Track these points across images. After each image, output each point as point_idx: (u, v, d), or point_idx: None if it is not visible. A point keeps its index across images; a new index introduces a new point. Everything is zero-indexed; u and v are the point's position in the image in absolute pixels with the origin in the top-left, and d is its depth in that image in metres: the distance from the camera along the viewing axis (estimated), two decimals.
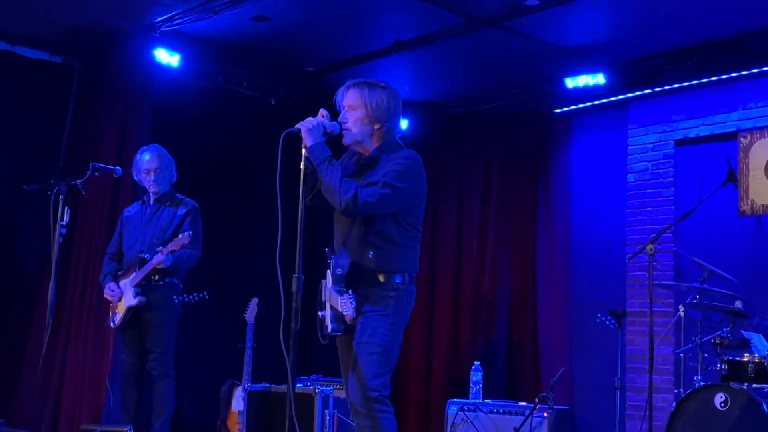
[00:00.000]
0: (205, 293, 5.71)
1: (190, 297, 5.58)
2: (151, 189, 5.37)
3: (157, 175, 5.32)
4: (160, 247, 5.11)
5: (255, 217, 7.87)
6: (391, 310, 3.50)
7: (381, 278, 3.50)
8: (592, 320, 6.70)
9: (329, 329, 3.49)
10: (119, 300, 5.29)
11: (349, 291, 3.34)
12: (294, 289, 3.35)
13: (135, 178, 5.47)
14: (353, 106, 3.58)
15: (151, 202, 5.41)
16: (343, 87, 3.65)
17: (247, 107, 7.88)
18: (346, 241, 3.57)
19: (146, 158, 5.35)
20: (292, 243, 3.35)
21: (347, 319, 3.29)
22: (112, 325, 5.34)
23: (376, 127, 3.58)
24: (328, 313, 3.52)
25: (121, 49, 6.77)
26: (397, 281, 3.52)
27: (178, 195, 5.43)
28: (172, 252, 5.09)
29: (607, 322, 6.30)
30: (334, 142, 3.63)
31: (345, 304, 3.29)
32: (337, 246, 3.63)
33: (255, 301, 6.37)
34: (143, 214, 5.41)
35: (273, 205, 3.46)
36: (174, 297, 5.31)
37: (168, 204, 5.36)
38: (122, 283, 5.28)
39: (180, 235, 5.05)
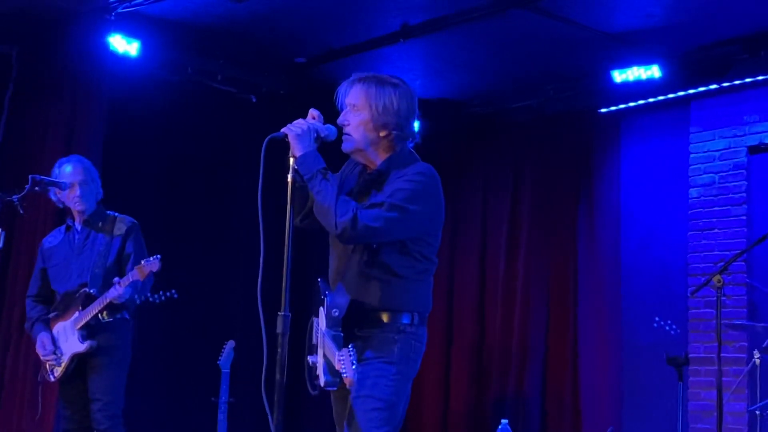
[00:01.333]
0: (174, 291, 5.68)
1: (156, 297, 5.57)
2: (77, 206, 5.32)
3: (83, 188, 5.29)
4: (117, 279, 5.09)
5: (231, 239, 7.86)
6: (396, 356, 3.47)
7: (385, 318, 3.47)
8: (646, 369, 6.67)
9: (322, 382, 3.47)
10: (53, 355, 5.26)
11: (350, 346, 3.31)
12: (279, 329, 3.31)
13: (54, 198, 5.43)
14: (356, 106, 3.52)
15: (78, 226, 5.38)
16: (347, 81, 3.58)
17: (222, 105, 7.90)
18: (344, 273, 3.53)
19: (68, 170, 5.33)
20: (277, 272, 3.34)
21: (346, 382, 3.27)
22: (51, 378, 5.30)
23: (383, 134, 3.52)
24: (320, 361, 3.50)
25: (68, 35, 6.78)
26: (404, 322, 3.49)
27: (108, 213, 5.43)
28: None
29: (666, 372, 6.27)
30: (330, 148, 3.62)
31: (344, 363, 3.27)
32: (333, 277, 3.60)
33: (231, 344, 6.35)
34: (71, 242, 5.37)
35: (254, 226, 3.44)
36: (126, 337, 5.30)
37: (100, 226, 5.35)
38: (58, 327, 5.24)
39: (145, 261, 5.03)
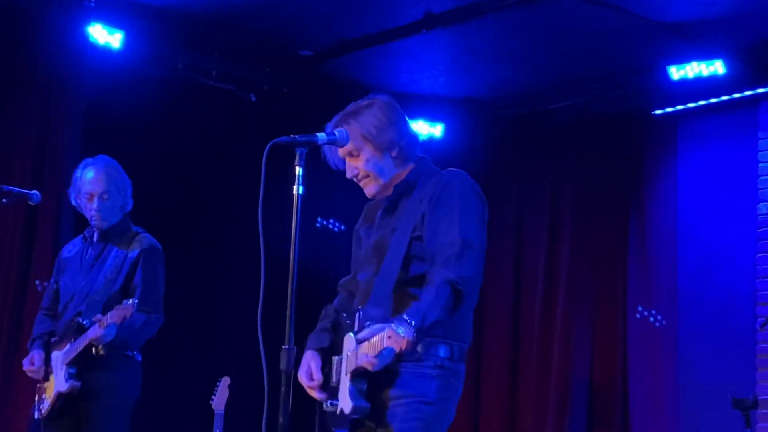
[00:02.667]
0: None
1: None
2: (94, 221, 5.32)
3: (102, 202, 5.25)
4: (98, 316, 5.05)
5: (226, 260, 7.86)
6: (434, 395, 3.50)
7: (419, 348, 3.47)
8: (707, 413, 6.64)
9: (349, 408, 3.47)
10: (44, 379, 5.26)
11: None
12: (283, 366, 3.32)
13: (73, 202, 5.43)
14: (353, 150, 3.67)
15: (96, 238, 5.37)
16: (325, 141, 3.64)
17: (217, 105, 7.92)
18: (374, 289, 3.58)
19: (89, 176, 5.29)
20: (281, 299, 3.33)
21: (403, 342, 3.22)
22: (36, 414, 5.31)
23: (394, 153, 3.70)
24: (345, 386, 3.50)
25: (42, 24, 6.81)
26: (443, 356, 3.52)
27: (133, 228, 5.40)
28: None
29: (731, 417, 6.22)
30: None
31: (399, 327, 3.23)
32: (360, 297, 3.65)
33: (226, 381, 6.34)
34: (84, 256, 5.37)
35: (253, 244, 3.44)
36: (129, 378, 5.26)
37: (118, 242, 5.32)
38: (54, 356, 5.25)
39: (123, 303, 4.98)
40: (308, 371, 3.65)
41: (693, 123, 7.78)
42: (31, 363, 5.26)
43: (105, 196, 5.23)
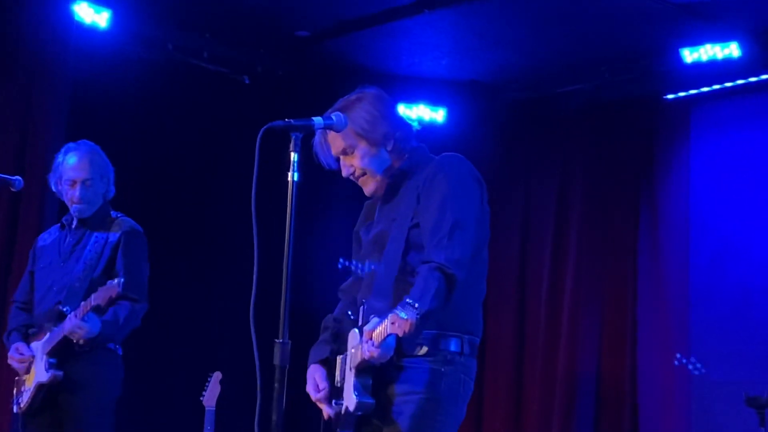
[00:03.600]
0: None
1: None
2: (75, 208, 5.33)
3: (85, 189, 5.27)
4: (68, 310, 5.05)
5: (218, 250, 7.87)
6: (442, 392, 3.50)
7: (427, 342, 3.49)
8: (720, 411, 6.65)
9: (354, 405, 3.47)
10: (28, 371, 5.27)
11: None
12: (277, 361, 3.31)
13: (53, 188, 5.45)
14: (347, 148, 3.68)
15: (74, 225, 5.38)
16: (316, 141, 3.72)
17: (209, 88, 7.92)
18: (377, 277, 3.59)
19: (72, 162, 5.30)
20: (275, 291, 3.33)
21: (407, 325, 3.21)
22: (15, 409, 5.32)
23: (389, 147, 3.71)
24: (350, 383, 3.51)
25: (26, 4, 6.81)
26: (453, 350, 3.53)
27: (112, 213, 5.41)
28: (98, 311, 5.03)
29: (744, 415, 6.24)
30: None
31: (402, 311, 3.19)
32: (363, 291, 3.65)
33: (217, 376, 6.35)
34: (61, 244, 5.38)
35: (246, 234, 3.43)
36: (111, 372, 5.27)
37: (97, 228, 5.33)
38: (34, 346, 5.27)
39: (107, 283, 5.00)
40: (314, 383, 3.67)
41: (707, 108, 7.78)
42: (20, 353, 5.26)
43: (88, 183, 5.25)
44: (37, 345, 5.20)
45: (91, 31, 6.98)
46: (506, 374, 8.25)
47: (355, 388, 3.48)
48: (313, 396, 3.65)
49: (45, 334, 5.16)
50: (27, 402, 5.21)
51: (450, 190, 3.56)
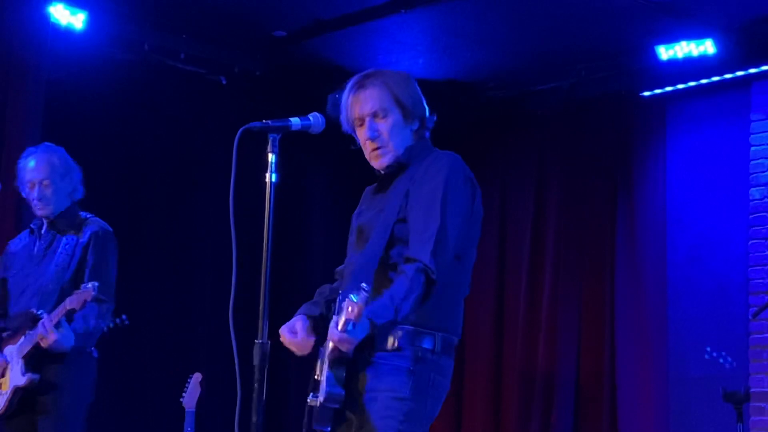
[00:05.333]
0: (125, 317, 5.68)
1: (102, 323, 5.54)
2: (38, 210, 5.34)
3: (43, 189, 5.27)
4: (44, 317, 5.04)
5: (196, 251, 7.85)
6: (409, 391, 3.44)
7: (398, 338, 3.45)
8: (698, 407, 6.66)
9: (323, 396, 3.44)
10: (2, 375, 5.26)
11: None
12: (256, 361, 3.31)
13: (23, 195, 5.46)
14: (381, 111, 3.58)
15: (44, 229, 5.38)
16: (348, 91, 3.62)
17: (186, 89, 7.90)
18: (359, 269, 3.55)
19: (30, 165, 5.32)
20: (253, 291, 3.33)
21: (355, 308, 3.20)
22: None
23: (415, 128, 3.64)
24: (324, 376, 3.47)
25: (0, 6, 6.77)
26: (426, 346, 3.47)
27: (81, 214, 5.41)
28: (68, 317, 5.02)
29: (722, 410, 6.27)
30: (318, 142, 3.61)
31: (355, 296, 3.18)
32: (346, 281, 3.62)
33: (197, 378, 6.34)
34: (32, 248, 5.38)
35: (224, 235, 3.44)
36: (85, 374, 5.27)
37: (67, 230, 5.33)
38: (8, 350, 5.26)
39: (82, 287, 4.99)
40: (291, 326, 3.55)
41: (682, 105, 7.80)
42: None
43: (45, 183, 5.26)
44: (11, 349, 5.19)
45: (66, 33, 6.95)
46: (485, 372, 8.26)
47: (328, 379, 3.43)
48: (286, 337, 3.53)
49: (20, 338, 5.15)
50: (4, 406, 5.20)
51: (441, 190, 3.51)
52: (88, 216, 5.37)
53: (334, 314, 3.50)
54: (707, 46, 7.15)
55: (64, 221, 5.32)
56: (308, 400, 3.59)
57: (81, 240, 5.27)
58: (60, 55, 6.98)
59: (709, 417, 6.61)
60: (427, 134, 3.72)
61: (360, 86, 3.59)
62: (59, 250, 5.27)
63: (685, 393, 7.37)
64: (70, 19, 6.91)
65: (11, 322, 5.30)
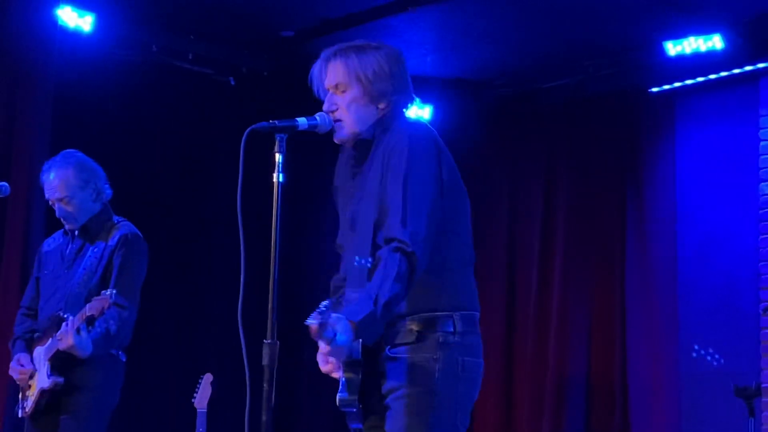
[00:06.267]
0: None
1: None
2: (66, 224, 5.38)
3: (64, 207, 5.28)
4: (68, 319, 5.04)
5: (205, 252, 7.87)
6: (437, 381, 3.37)
7: (415, 327, 3.41)
8: (709, 402, 6.65)
9: (337, 401, 3.39)
10: (28, 382, 5.28)
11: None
12: (265, 361, 3.31)
13: (46, 196, 5.49)
14: (341, 85, 3.55)
15: (76, 233, 5.41)
16: (318, 62, 3.62)
17: (195, 89, 7.91)
18: (352, 271, 3.51)
19: (48, 180, 5.32)
20: (262, 291, 3.34)
21: (312, 330, 3.15)
22: (20, 413, 5.34)
23: (381, 106, 3.56)
24: (342, 381, 3.45)
25: (8, 8, 6.80)
26: (447, 329, 3.41)
27: (114, 218, 5.42)
28: (89, 323, 5.03)
29: (733, 405, 6.25)
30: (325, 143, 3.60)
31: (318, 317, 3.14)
32: (345, 282, 3.59)
33: (208, 378, 6.35)
34: (64, 250, 5.40)
35: (233, 235, 3.44)
36: (112, 377, 5.28)
37: (98, 234, 5.34)
38: (37, 352, 5.28)
39: (101, 294, 5.00)
40: (323, 355, 3.46)
41: (691, 101, 7.79)
42: (20, 365, 5.27)
43: (65, 201, 5.26)
44: (40, 350, 5.23)
45: (75, 35, 6.96)
46: (496, 375, 8.24)
47: (342, 384, 3.40)
48: (322, 367, 3.49)
49: (47, 340, 5.18)
50: (31, 407, 5.24)
51: (404, 162, 3.41)
52: (119, 220, 5.39)
53: None
54: (715, 42, 7.14)
55: (95, 225, 5.33)
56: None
57: (109, 243, 5.28)
58: (68, 58, 7.00)
59: (721, 412, 6.59)
60: (402, 112, 3.61)
61: (328, 59, 3.57)
62: (88, 253, 5.29)
63: (696, 389, 7.36)
64: (78, 21, 6.92)
65: (41, 324, 5.33)
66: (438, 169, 3.46)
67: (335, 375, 3.47)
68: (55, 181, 5.25)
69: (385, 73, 3.54)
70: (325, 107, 3.56)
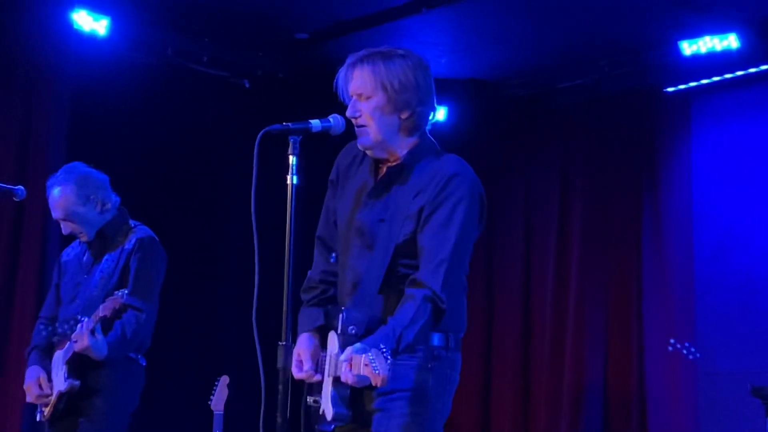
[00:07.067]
0: None
1: None
2: (79, 238, 5.41)
3: (68, 226, 5.31)
4: (83, 321, 5.05)
5: (220, 254, 7.88)
6: (430, 390, 3.46)
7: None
8: (726, 402, 6.63)
9: (330, 415, 3.45)
10: (47, 394, 5.30)
11: (380, 345, 3.27)
12: (280, 363, 3.33)
13: None
14: (366, 92, 3.55)
15: (92, 239, 5.44)
16: (344, 67, 3.61)
17: (209, 92, 7.93)
18: (361, 286, 3.54)
19: (50, 200, 5.34)
20: (277, 294, 3.34)
21: (377, 380, 3.19)
22: (39, 417, 5.36)
23: (404, 116, 3.55)
24: (327, 391, 3.48)
25: (23, 11, 6.82)
26: (437, 344, 3.48)
27: (130, 222, 5.43)
28: (103, 324, 5.04)
29: (751, 405, 6.23)
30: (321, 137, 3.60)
31: (375, 361, 3.20)
32: (347, 292, 3.59)
33: (224, 380, 6.36)
34: (82, 257, 5.42)
35: (247, 237, 3.44)
36: (130, 380, 5.29)
37: (115, 238, 5.35)
38: (56, 356, 5.30)
39: (114, 294, 5.01)
40: (297, 360, 3.53)
41: (707, 100, 7.77)
42: (39, 387, 5.27)
43: (68, 219, 5.27)
44: (59, 354, 5.25)
45: (90, 39, 7.00)
46: (513, 377, 8.24)
47: (333, 399, 3.43)
48: (295, 374, 3.51)
49: (66, 344, 5.20)
50: (49, 411, 5.26)
51: (457, 214, 3.46)
52: (136, 224, 5.40)
53: (335, 331, 3.47)
54: (731, 41, 7.13)
55: (111, 230, 5.34)
56: (307, 400, 3.57)
57: (126, 247, 5.29)
58: (84, 61, 7.03)
59: (738, 412, 6.57)
60: (428, 128, 3.64)
61: (354, 64, 3.57)
62: (106, 257, 5.31)
63: (714, 388, 7.34)
64: (93, 25, 6.95)
65: (60, 328, 5.34)
66: (480, 223, 3.57)
67: (312, 380, 3.53)
68: (56, 200, 5.25)
69: (411, 83, 3.55)
70: (348, 112, 3.57)
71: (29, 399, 5.33)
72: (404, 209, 3.50)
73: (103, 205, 5.34)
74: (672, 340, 6.45)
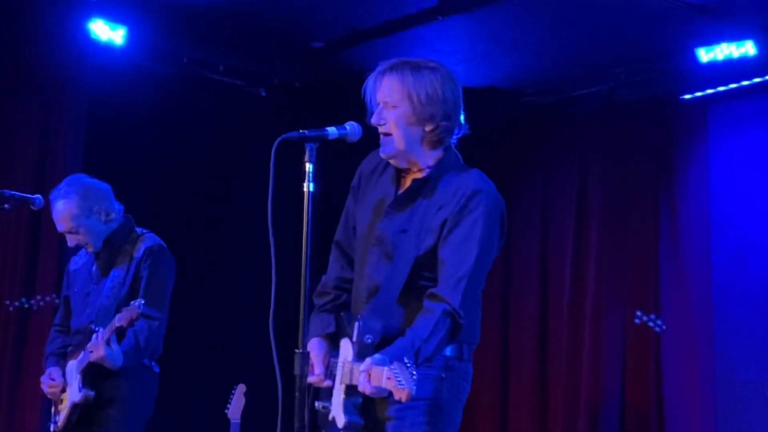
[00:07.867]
0: None
1: None
2: (85, 249, 5.43)
3: (74, 238, 5.33)
4: (98, 331, 5.06)
5: (237, 262, 7.88)
6: (444, 400, 3.49)
7: None
8: (745, 410, 6.61)
9: (341, 423, 3.45)
10: (61, 391, 5.31)
11: (404, 358, 3.27)
12: (297, 371, 3.33)
13: None
14: (392, 101, 3.57)
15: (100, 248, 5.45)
16: (374, 74, 3.64)
17: (225, 101, 7.95)
18: (378, 294, 3.55)
19: (56, 209, 5.35)
20: (293, 302, 3.34)
21: (402, 395, 3.19)
22: (52, 427, 5.36)
23: (429, 128, 3.57)
24: (339, 399, 3.48)
25: (42, 21, 6.86)
26: (450, 355, 3.50)
27: (137, 230, 5.44)
28: (119, 334, 5.05)
29: None
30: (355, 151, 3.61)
31: (400, 375, 3.20)
32: (363, 299, 3.61)
33: (241, 389, 6.38)
34: (91, 266, 5.43)
35: (263, 245, 3.45)
36: (145, 388, 5.30)
37: (122, 247, 5.37)
38: (69, 366, 5.31)
39: (130, 304, 5.02)
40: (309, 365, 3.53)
41: (724, 107, 7.75)
42: (51, 378, 5.30)
43: (72, 231, 5.28)
44: (72, 364, 5.26)
45: (107, 48, 7.03)
46: (530, 383, 8.23)
47: (345, 407, 3.44)
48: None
49: (80, 353, 5.21)
50: (63, 421, 5.26)
51: (478, 231, 3.49)
52: (143, 232, 5.41)
53: (349, 339, 3.48)
54: (747, 48, 7.11)
55: (118, 238, 5.35)
56: (317, 405, 3.58)
57: (136, 256, 5.30)
58: (101, 71, 7.07)
59: (757, 420, 6.55)
60: (453, 142, 3.68)
61: (383, 72, 3.59)
62: (115, 267, 5.32)
63: (732, 396, 7.31)
64: (110, 34, 6.98)
65: (74, 338, 5.36)
66: (500, 240, 3.61)
67: (322, 384, 3.55)
68: (60, 214, 5.26)
69: (437, 96, 3.57)
70: (374, 120, 3.60)
71: (45, 390, 5.35)
72: (428, 222, 3.52)
73: (108, 215, 5.35)
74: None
